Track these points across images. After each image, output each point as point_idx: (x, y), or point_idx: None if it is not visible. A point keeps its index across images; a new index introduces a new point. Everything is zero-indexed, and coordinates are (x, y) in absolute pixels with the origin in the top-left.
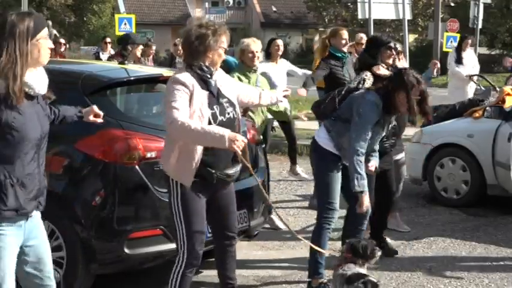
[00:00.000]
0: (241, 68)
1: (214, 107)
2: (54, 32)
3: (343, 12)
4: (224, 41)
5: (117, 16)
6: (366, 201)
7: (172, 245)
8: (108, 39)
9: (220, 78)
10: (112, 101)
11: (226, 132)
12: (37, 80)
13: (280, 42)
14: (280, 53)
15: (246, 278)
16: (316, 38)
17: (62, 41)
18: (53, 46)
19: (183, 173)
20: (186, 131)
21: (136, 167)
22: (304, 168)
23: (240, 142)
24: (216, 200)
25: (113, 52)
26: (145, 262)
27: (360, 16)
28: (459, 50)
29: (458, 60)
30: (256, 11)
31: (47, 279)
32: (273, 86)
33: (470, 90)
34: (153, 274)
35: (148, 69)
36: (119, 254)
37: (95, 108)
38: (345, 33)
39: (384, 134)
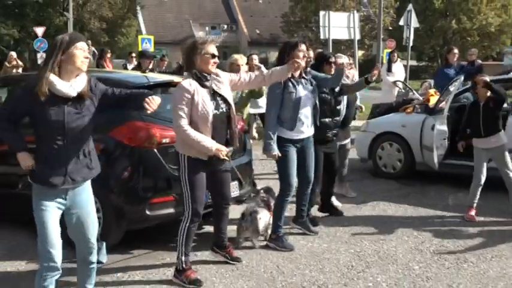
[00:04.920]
0: None
1: (211, 102)
2: (93, 49)
3: (309, 34)
4: (209, 49)
5: (140, 37)
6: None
7: (182, 209)
8: (133, 54)
9: (218, 81)
10: None
11: (214, 145)
12: (62, 84)
13: (255, 56)
14: (255, 62)
15: None
16: None
17: (108, 54)
18: (89, 56)
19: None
20: (187, 137)
21: (155, 150)
22: None
23: (222, 152)
24: (214, 175)
25: (135, 63)
26: (161, 221)
27: (321, 37)
28: (389, 62)
29: (389, 69)
30: (244, 33)
31: (88, 240)
32: None
33: (395, 92)
34: (165, 229)
35: (163, 77)
36: (142, 215)
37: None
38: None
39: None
